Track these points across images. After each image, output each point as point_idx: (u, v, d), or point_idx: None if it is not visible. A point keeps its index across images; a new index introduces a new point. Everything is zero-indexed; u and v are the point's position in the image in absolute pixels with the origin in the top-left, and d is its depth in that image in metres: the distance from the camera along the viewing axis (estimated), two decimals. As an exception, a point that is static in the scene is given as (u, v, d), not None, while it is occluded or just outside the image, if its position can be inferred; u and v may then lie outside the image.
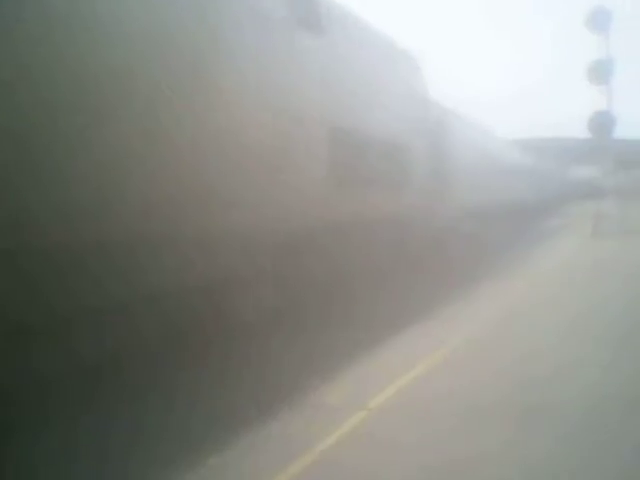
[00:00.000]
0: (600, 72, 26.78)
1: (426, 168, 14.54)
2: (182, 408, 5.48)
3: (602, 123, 26.51)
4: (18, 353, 4.70)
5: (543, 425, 5.08)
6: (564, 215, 39.48)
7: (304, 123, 8.74)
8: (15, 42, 4.63)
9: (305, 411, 5.49)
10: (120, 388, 5.39)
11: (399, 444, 4.74)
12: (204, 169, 6.70)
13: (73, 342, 5.17)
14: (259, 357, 7.08)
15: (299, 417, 5.36)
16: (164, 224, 6.14)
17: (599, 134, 27.12)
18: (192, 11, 6.55)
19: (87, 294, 5.20)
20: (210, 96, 6.80)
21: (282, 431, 5.07)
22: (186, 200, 6.37)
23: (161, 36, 6.12)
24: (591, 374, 6.46)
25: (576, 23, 28.98)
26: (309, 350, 7.43)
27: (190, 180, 6.44)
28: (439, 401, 5.67)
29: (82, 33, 5.18)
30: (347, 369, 6.77)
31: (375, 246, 11.74)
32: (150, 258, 5.95)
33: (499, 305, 10.50)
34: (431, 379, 6.34)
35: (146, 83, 5.88)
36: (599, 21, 27.34)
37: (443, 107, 17.14)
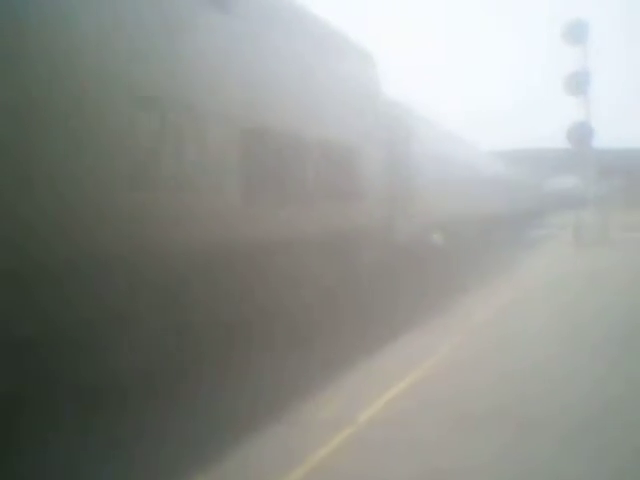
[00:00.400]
0: (577, 84, 27.15)
1: (385, 176, 12.51)
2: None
3: (581, 133, 26.83)
4: None
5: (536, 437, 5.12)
6: (546, 226, 39.74)
7: (205, 121, 6.85)
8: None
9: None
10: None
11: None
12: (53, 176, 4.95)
13: None
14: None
15: None
16: None
17: (578, 144, 27.43)
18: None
19: None
20: (66, 82, 5.06)
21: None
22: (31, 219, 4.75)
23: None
24: (584, 384, 6.50)
25: (557, 36, 29.36)
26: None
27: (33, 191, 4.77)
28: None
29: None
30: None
31: (312, 269, 9.55)
32: None
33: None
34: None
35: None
36: (576, 34, 27.78)
37: (407, 111, 15.26)
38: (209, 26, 7.14)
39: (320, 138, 9.68)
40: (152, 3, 6.21)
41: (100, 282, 5.32)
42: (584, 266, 17.92)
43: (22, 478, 4.54)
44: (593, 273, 16.17)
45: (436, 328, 9.78)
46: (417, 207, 14.22)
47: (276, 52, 8.71)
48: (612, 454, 4.82)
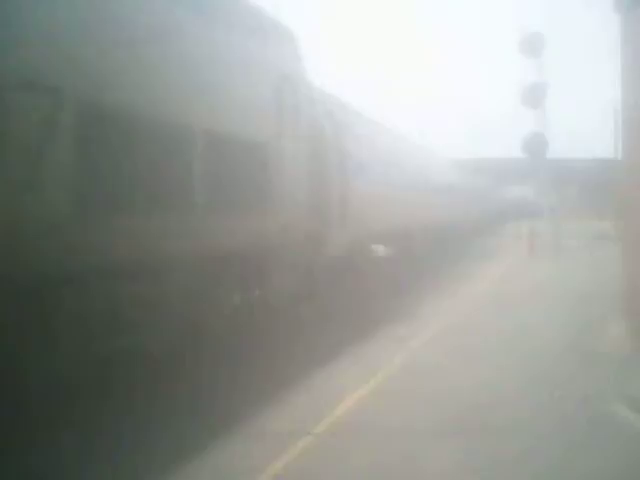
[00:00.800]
0: (534, 95, 27.70)
1: (311, 179, 10.16)
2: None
3: (536, 144, 27.35)
4: None
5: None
6: (501, 234, 40.31)
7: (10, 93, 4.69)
8: None
9: None
10: None
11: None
12: None
13: None
14: None
15: None
16: None
17: (533, 154, 27.96)
18: None
19: None
20: None
21: None
22: None
23: None
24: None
25: (513, 47, 30.04)
26: None
27: None
28: None
29: None
30: None
31: (206, 294, 7.37)
32: None
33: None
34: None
35: None
36: (532, 46, 28.32)
37: (343, 105, 13.11)
38: None
39: (209, 129, 7.33)
40: None
41: None
42: (535, 274, 18.26)
43: None
44: (542, 281, 16.54)
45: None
46: (357, 215, 12.12)
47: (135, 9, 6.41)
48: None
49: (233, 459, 5.32)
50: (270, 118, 8.99)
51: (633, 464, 5.08)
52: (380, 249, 13.91)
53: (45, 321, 5.06)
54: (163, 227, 6.54)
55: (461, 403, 6.55)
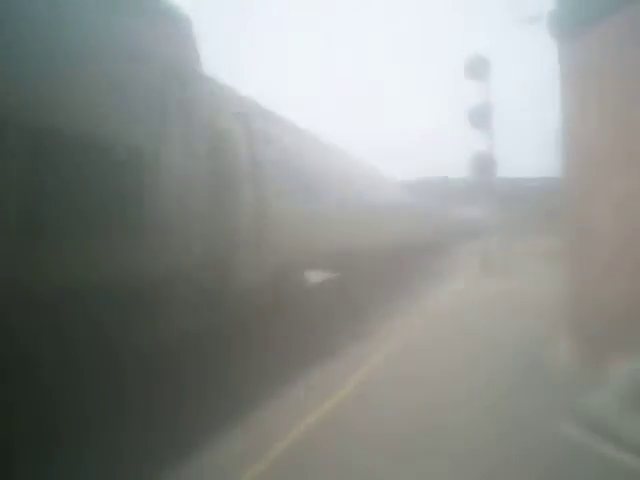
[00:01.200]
0: (480, 116, 28.18)
1: (209, 194, 8.35)
2: None
3: (483, 163, 27.78)
4: None
5: None
6: (451, 254, 40.65)
7: None
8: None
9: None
10: None
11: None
12: None
13: None
14: None
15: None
16: None
17: (481, 174, 28.36)
18: None
19: None
20: None
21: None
22: None
23: None
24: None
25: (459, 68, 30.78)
26: None
27: None
28: None
29: None
30: None
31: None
32: None
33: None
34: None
35: None
36: (478, 69, 28.87)
37: (260, 111, 11.10)
38: None
39: (46, 127, 5.66)
40: None
41: None
42: (485, 291, 18.35)
43: None
44: (491, 298, 16.65)
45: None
46: (280, 239, 10.34)
47: None
48: None
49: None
50: (143, 118, 7.10)
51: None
52: (315, 276, 12.32)
53: None
54: None
55: (405, 426, 6.47)
